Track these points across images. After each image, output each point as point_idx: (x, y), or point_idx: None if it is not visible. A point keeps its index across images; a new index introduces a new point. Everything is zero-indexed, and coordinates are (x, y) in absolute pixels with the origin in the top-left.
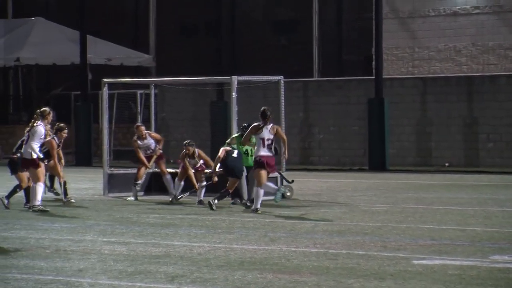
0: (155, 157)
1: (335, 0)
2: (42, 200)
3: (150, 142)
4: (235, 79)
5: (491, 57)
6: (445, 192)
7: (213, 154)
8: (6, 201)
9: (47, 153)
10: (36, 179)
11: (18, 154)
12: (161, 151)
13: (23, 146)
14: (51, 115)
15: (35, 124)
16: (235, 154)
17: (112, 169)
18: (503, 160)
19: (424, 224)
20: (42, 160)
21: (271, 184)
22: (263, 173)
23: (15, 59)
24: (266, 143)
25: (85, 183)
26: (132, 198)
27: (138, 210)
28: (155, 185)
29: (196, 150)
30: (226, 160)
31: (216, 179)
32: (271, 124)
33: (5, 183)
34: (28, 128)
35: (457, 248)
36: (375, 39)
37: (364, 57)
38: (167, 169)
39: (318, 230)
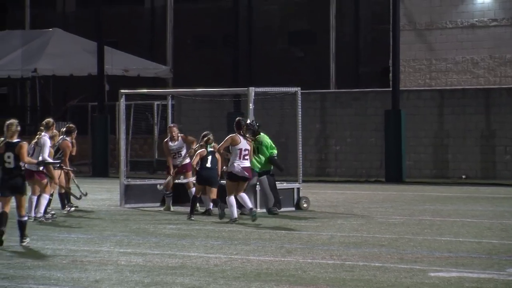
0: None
1: (352, 12)
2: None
3: (182, 145)
4: (252, 90)
5: (508, 70)
6: (461, 204)
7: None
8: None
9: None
10: (42, 190)
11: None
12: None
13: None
14: (54, 126)
15: (40, 136)
16: (209, 164)
17: (129, 180)
18: None
19: (441, 237)
20: (59, 166)
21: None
22: (234, 185)
23: (33, 70)
24: (243, 153)
25: (101, 194)
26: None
27: (154, 221)
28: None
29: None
30: (201, 171)
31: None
32: (247, 135)
33: None
34: (34, 141)
35: (474, 261)
36: (392, 50)
37: (381, 69)
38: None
39: (334, 241)
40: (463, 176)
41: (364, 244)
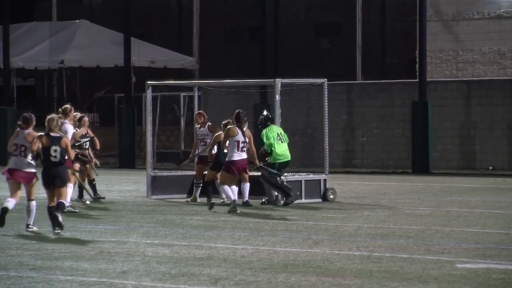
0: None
1: (378, 3)
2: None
3: (206, 132)
4: (279, 81)
5: None
6: (489, 195)
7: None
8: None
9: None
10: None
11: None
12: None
13: None
14: (72, 111)
15: (61, 124)
16: (226, 150)
17: (156, 171)
18: None
19: (468, 228)
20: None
21: (229, 191)
22: (229, 176)
23: (60, 62)
24: (241, 145)
25: (128, 185)
26: (188, 200)
27: (181, 212)
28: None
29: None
30: (219, 155)
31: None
32: (246, 128)
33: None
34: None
35: (501, 252)
36: (419, 41)
37: (407, 60)
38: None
39: (361, 233)
40: (490, 167)
41: (391, 235)
